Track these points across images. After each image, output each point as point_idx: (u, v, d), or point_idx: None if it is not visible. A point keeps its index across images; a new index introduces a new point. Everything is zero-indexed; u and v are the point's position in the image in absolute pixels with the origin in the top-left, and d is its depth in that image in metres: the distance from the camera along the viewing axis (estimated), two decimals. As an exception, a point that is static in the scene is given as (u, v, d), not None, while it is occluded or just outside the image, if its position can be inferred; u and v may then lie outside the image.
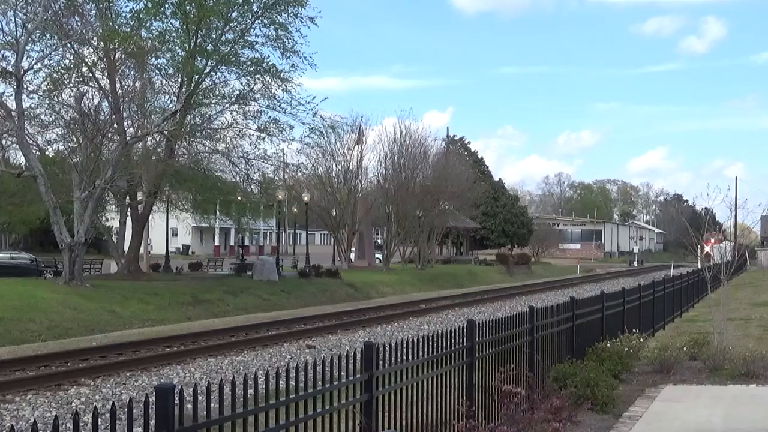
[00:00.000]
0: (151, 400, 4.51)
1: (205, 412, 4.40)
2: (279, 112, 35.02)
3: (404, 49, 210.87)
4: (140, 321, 24.23)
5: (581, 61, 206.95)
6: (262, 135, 35.27)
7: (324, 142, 48.00)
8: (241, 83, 34.83)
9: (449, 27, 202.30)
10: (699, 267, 26.23)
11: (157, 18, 31.96)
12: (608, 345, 12.54)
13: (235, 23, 33.46)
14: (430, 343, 7.10)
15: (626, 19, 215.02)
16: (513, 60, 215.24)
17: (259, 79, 34.49)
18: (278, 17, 33.98)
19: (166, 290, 29.14)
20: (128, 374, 15.10)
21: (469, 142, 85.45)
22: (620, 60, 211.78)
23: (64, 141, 33.62)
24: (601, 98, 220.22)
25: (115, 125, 31.14)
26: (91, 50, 31.22)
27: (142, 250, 40.47)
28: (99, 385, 14.05)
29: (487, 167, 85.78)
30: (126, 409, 3.94)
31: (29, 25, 27.28)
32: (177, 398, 3.98)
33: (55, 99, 31.08)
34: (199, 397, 8.60)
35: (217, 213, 46.24)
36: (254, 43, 34.27)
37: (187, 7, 31.93)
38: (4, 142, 30.63)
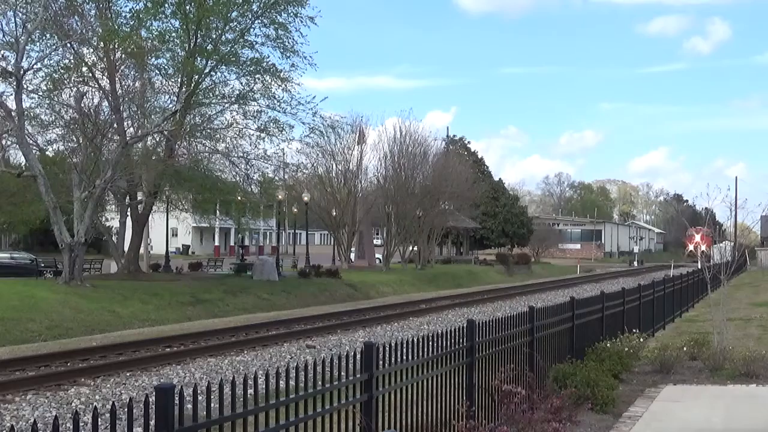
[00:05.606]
0: (151, 400, 4.51)
1: (205, 412, 4.40)
2: (279, 112, 35.06)
3: (409, 50, 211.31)
4: (140, 321, 24.25)
5: (585, 62, 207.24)
6: (262, 135, 35.29)
7: (324, 142, 48.12)
8: (241, 83, 34.87)
9: (454, 27, 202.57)
10: (699, 267, 26.22)
11: (157, 18, 31.92)
12: (608, 345, 12.54)
13: (235, 23, 33.45)
14: (430, 343, 7.09)
15: (631, 19, 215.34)
16: (517, 60, 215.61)
17: (259, 79, 34.49)
18: (278, 17, 34.01)
19: (166, 290, 29.14)
20: (128, 374, 15.10)
21: (469, 142, 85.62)
22: (624, 60, 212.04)
23: (64, 141, 33.67)
24: (605, 98, 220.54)
25: (115, 125, 31.17)
26: (91, 50, 31.24)
27: (142, 250, 40.47)
28: (99, 385, 14.05)
29: (487, 167, 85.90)
30: (126, 409, 3.94)
31: (29, 25, 27.29)
32: (177, 398, 3.98)
33: (55, 99, 31.08)
34: (199, 397, 8.59)
35: (217, 213, 46.26)
36: (254, 42, 34.32)
37: (187, 7, 31.91)
38: (4, 142, 30.61)
